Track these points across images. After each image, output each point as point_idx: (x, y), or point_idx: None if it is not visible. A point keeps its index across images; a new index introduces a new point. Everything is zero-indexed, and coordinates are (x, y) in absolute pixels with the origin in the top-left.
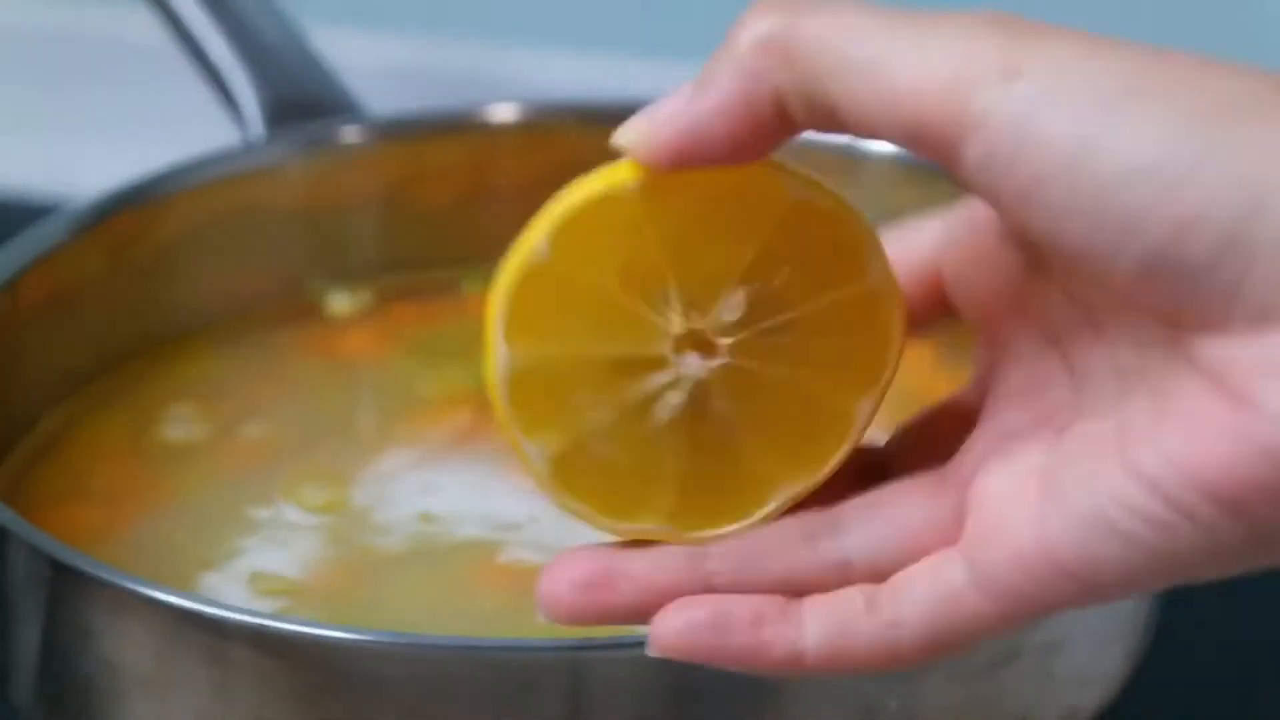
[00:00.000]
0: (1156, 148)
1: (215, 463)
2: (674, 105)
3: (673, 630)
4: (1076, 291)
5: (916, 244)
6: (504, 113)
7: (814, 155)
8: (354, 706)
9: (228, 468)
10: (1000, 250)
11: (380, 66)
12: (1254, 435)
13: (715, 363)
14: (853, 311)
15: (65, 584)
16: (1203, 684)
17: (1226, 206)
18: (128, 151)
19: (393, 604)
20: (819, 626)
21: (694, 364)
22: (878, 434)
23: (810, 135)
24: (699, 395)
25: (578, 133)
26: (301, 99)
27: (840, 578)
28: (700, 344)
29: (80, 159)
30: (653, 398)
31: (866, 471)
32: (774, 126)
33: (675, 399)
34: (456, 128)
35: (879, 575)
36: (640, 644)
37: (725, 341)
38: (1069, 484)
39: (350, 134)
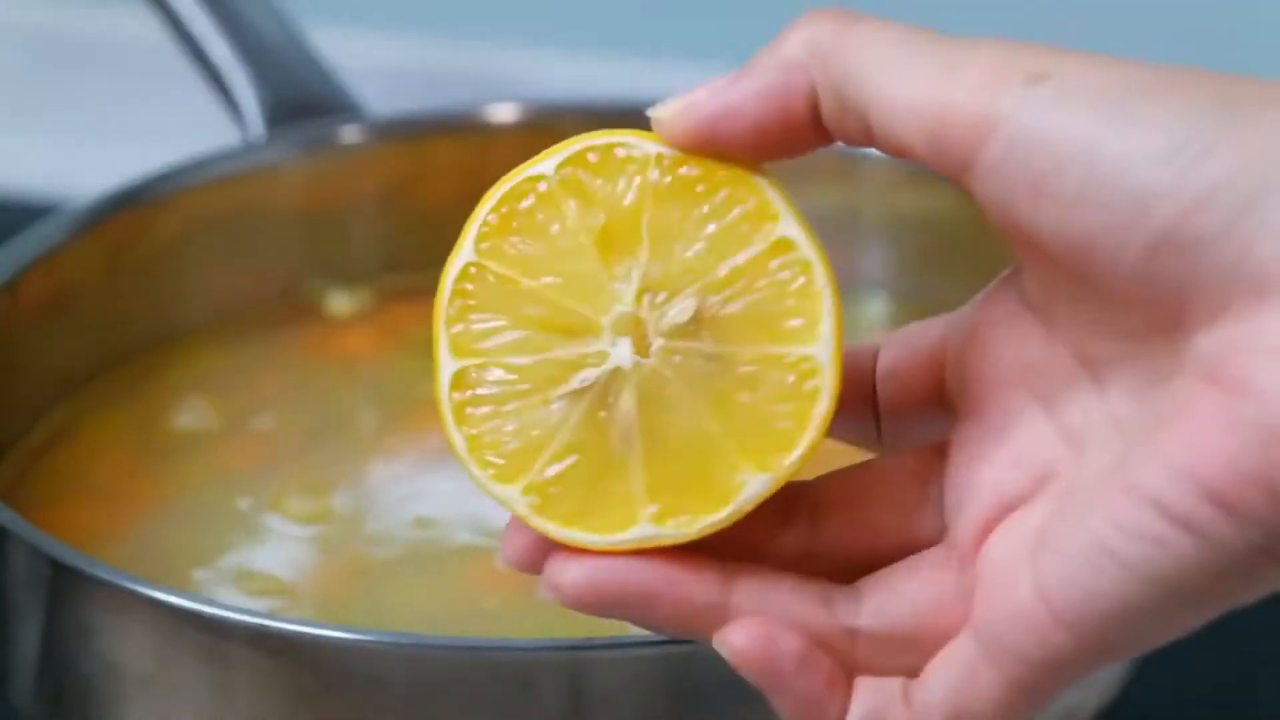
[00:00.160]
0: (1173, 132)
1: (215, 462)
2: (711, 87)
3: (759, 638)
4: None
5: (924, 339)
6: (504, 113)
7: (815, 156)
8: (354, 706)
9: (228, 467)
10: (1007, 326)
11: (380, 66)
12: (1248, 419)
13: (645, 361)
14: (782, 375)
15: (65, 584)
16: (1203, 684)
17: (1239, 185)
18: (128, 151)
19: (391, 604)
20: (862, 706)
21: (624, 353)
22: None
23: None
24: (650, 385)
25: (577, 133)
26: (301, 99)
27: (850, 645)
28: (638, 337)
29: (80, 159)
30: (599, 398)
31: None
32: (802, 125)
33: (625, 396)
34: (456, 128)
35: (891, 648)
36: (640, 644)
37: (659, 342)
38: (1064, 525)
39: (350, 134)
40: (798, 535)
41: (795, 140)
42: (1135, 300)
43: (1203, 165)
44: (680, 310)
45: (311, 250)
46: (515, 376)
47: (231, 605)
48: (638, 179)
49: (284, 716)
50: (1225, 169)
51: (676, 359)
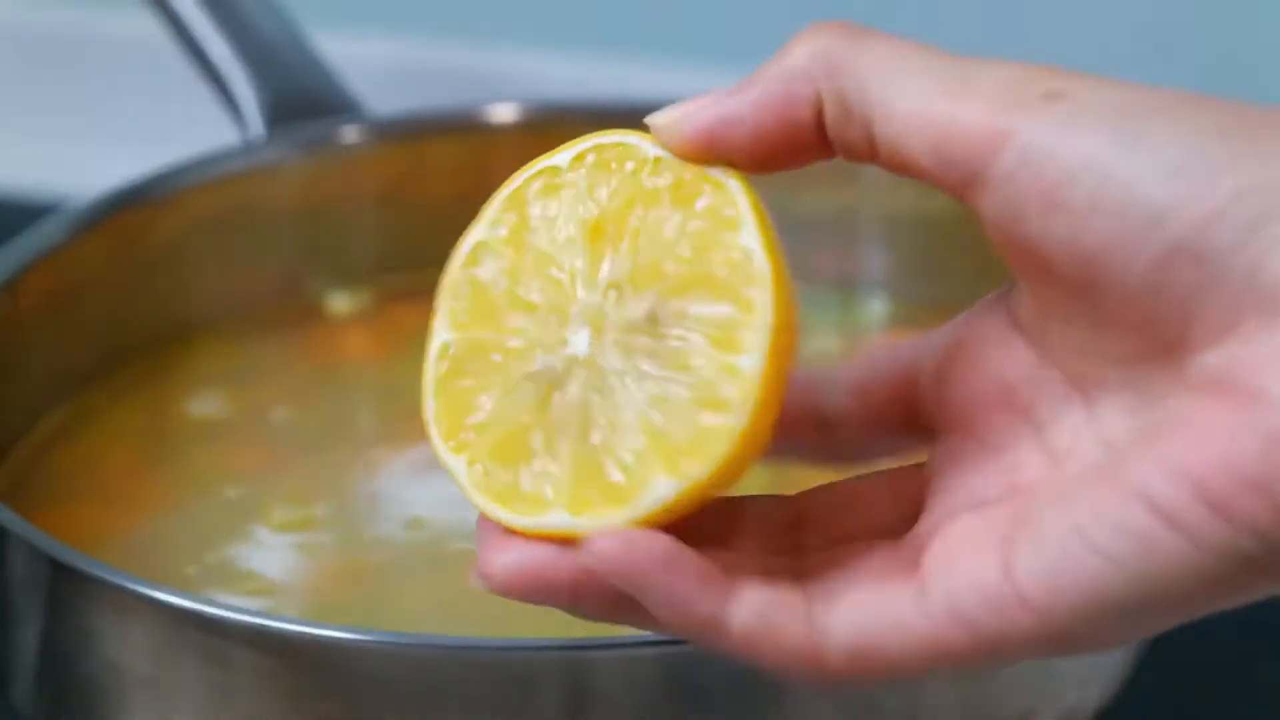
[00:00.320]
0: (1188, 148)
1: (216, 462)
2: (712, 95)
3: (614, 545)
4: (1074, 359)
5: (892, 360)
6: (504, 113)
7: None
8: (354, 706)
9: (228, 467)
10: (996, 346)
11: (380, 66)
12: (1256, 427)
13: (597, 354)
14: (716, 384)
15: (65, 584)
16: (1203, 684)
17: (1251, 201)
18: (128, 151)
19: (389, 605)
20: (751, 608)
21: (581, 342)
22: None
23: None
24: (596, 378)
25: (578, 133)
26: (301, 99)
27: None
28: (599, 330)
29: (80, 159)
30: (555, 384)
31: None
32: (804, 136)
33: (574, 385)
34: (456, 128)
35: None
36: (640, 644)
37: (612, 336)
38: (1044, 512)
39: (350, 134)
40: (775, 552)
41: (796, 151)
42: (1138, 317)
43: (1217, 181)
44: (634, 307)
45: (311, 250)
46: (492, 352)
47: (231, 605)
48: (632, 179)
49: (284, 716)
50: (1238, 185)
51: (625, 355)
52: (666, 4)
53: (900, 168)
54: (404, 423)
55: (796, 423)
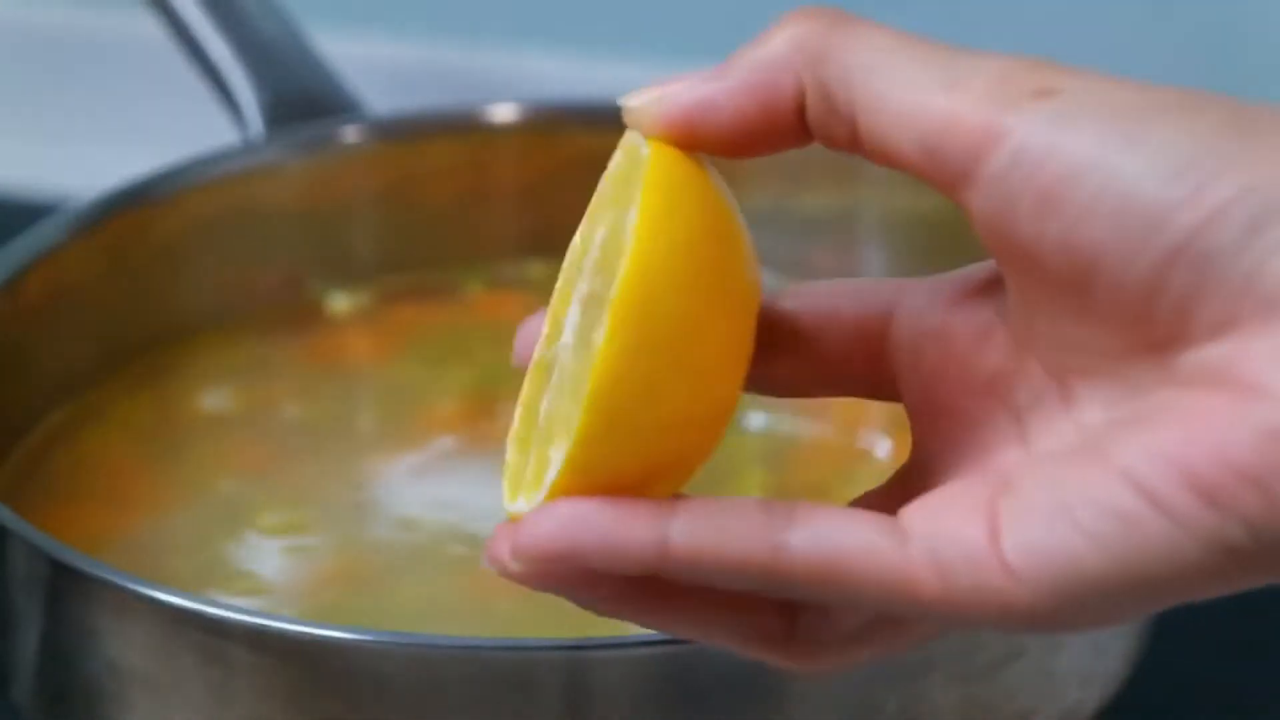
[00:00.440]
0: (1188, 148)
1: (216, 462)
2: (691, 79)
3: (531, 526)
4: (1055, 348)
5: (874, 299)
6: (504, 113)
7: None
8: (354, 706)
9: (229, 467)
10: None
11: (380, 66)
12: (1255, 419)
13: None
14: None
15: (65, 584)
16: (1203, 684)
17: (1252, 203)
18: (128, 151)
19: (389, 605)
20: (694, 515)
21: (569, 328)
22: None
23: None
24: (562, 367)
25: (578, 133)
26: (301, 99)
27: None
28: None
29: (80, 159)
30: (548, 376)
31: None
32: (784, 124)
33: (553, 375)
34: (456, 128)
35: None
36: (640, 644)
37: (572, 323)
38: (1031, 483)
39: (350, 134)
40: (761, 357)
41: (775, 139)
42: (1131, 315)
43: (1217, 182)
44: (579, 295)
45: (311, 250)
46: (548, 343)
47: (231, 605)
48: (633, 171)
49: (284, 716)
50: (1239, 186)
51: (577, 345)
52: (667, 4)
53: (884, 160)
54: (404, 423)
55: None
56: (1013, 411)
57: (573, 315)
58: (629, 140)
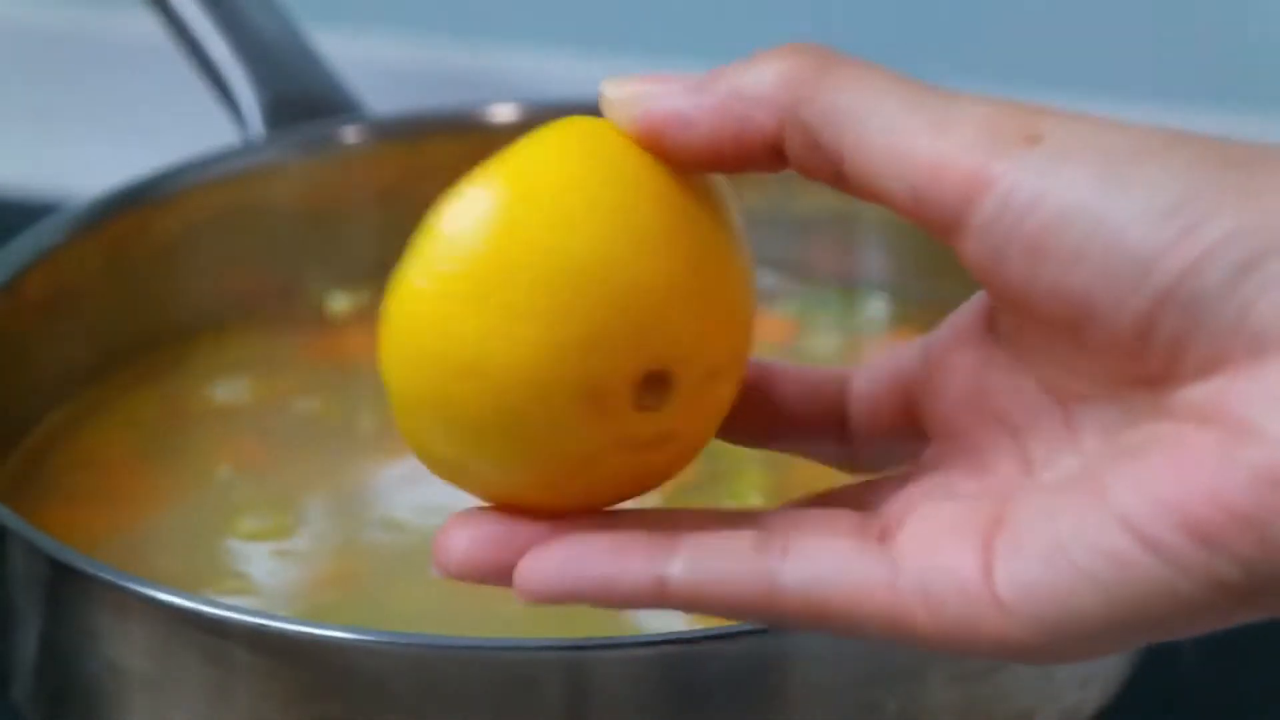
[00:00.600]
0: (1175, 191)
1: (216, 462)
2: (671, 86)
3: (530, 570)
4: (1053, 373)
5: (897, 363)
6: (504, 113)
7: None
8: (354, 706)
9: (228, 467)
10: (975, 353)
11: (380, 66)
12: (1249, 461)
13: None
14: None
15: (65, 584)
16: (1202, 684)
17: (1240, 245)
18: (128, 151)
19: (388, 604)
20: (692, 555)
21: None
22: None
23: None
24: None
25: None
26: (301, 99)
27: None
28: None
29: (80, 159)
30: None
31: None
32: (756, 155)
33: None
34: (456, 128)
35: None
36: (640, 644)
37: None
38: (1027, 518)
39: (350, 134)
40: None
41: (743, 165)
42: (1123, 353)
43: (1205, 224)
44: None
45: (311, 250)
46: None
47: (231, 605)
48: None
49: (284, 716)
50: (1227, 229)
51: None
52: (667, 4)
53: (871, 199)
54: None
55: (820, 425)
56: (1010, 430)
57: None
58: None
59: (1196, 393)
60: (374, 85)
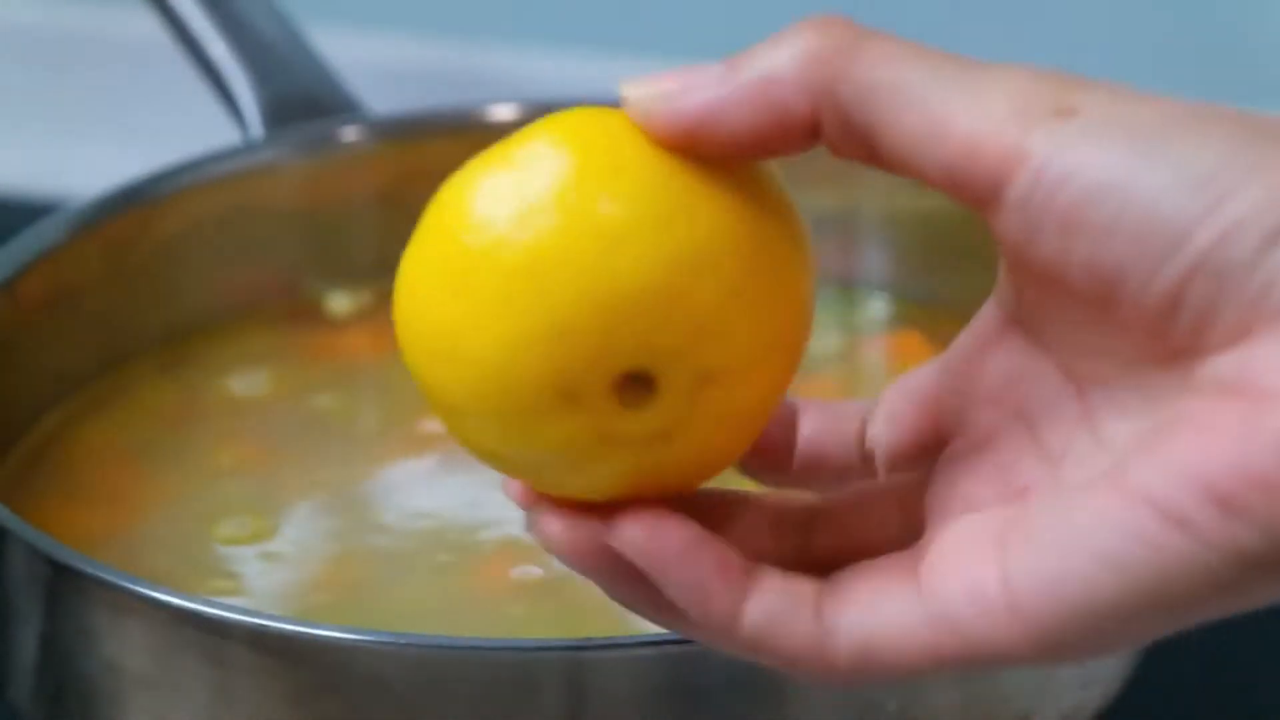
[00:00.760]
0: (1206, 163)
1: (216, 462)
2: (699, 79)
3: (640, 530)
4: (1074, 358)
5: (920, 381)
6: (504, 113)
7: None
8: (354, 706)
9: (228, 467)
10: (993, 344)
11: (380, 66)
12: (1270, 427)
13: None
14: None
15: (65, 584)
16: (1203, 684)
17: (1271, 213)
18: (128, 151)
19: (388, 604)
20: (765, 607)
21: None
22: None
23: None
24: None
25: None
26: (301, 99)
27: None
28: None
29: (80, 159)
30: None
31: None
32: (795, 138)
33: None
34: (456, 128)
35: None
36: (640, 644)
37: None
38: (1043, 515)
39: (350, 134)
40: (786, 549)
41: (778, 149)
42: (1149, 326)
43: (1235, 195)
44: None
45: (311, 250)
46: None
47: (231, 605)
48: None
49: (284, 717)
50: (1256, 199)
51: None
52: (667, 4)
53: (902, 174)
54: (404, 423)
55: (844, 454)
56: (1027, 423)
57: None
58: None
59: (1220, 364)
60: (374, 85)
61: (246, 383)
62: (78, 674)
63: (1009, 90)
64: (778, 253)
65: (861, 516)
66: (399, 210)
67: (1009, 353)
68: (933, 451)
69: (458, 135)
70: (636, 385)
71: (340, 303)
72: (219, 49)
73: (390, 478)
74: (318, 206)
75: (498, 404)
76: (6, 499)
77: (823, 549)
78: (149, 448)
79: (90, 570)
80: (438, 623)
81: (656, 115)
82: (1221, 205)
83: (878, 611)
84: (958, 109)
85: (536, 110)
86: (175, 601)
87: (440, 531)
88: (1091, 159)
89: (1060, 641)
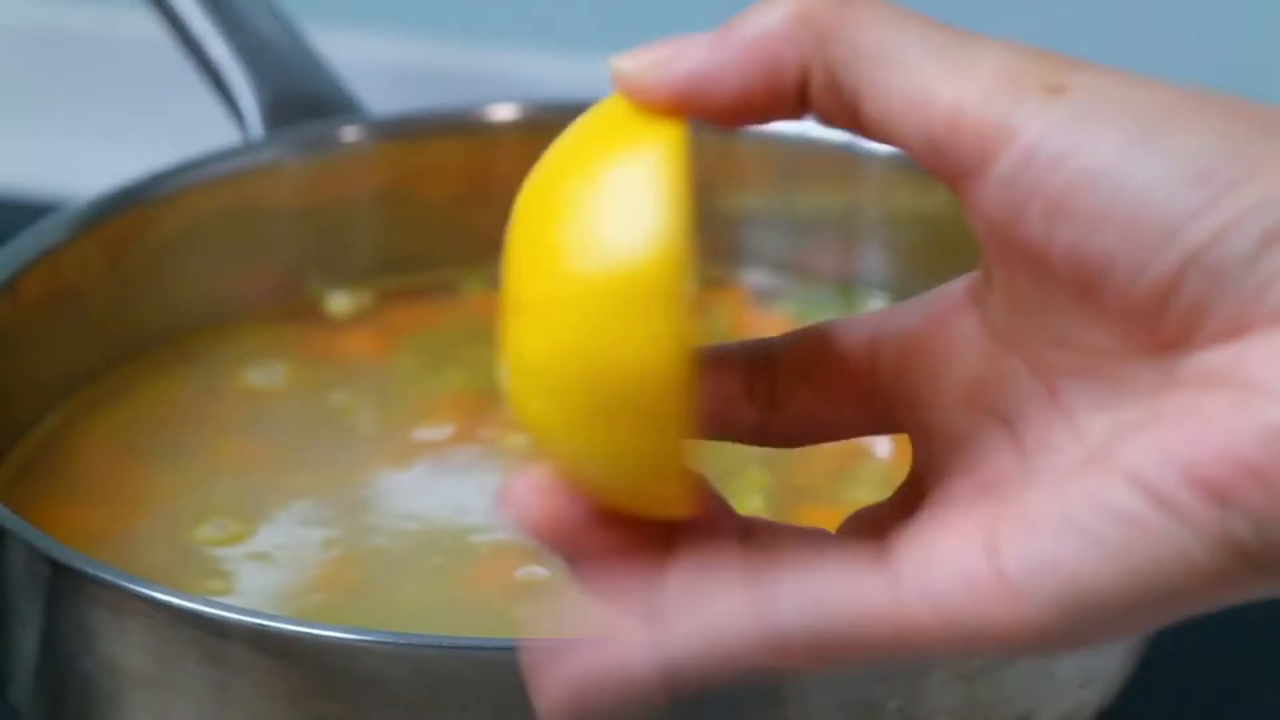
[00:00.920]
0: (1206, 154)
1: (214, 462)
2: (689, 46)
3: (548, 695)
4: (1044, 348)
5: (844, 336)
6: (504, 113)
7: (815, 156)
8: (354, 706)
9: (228, 467)
10: (960, 339)
11: (380, 66)
12: (1257, 414)
13: None
14: None
15: (65, 584)
16: (1203, 684)
17: (1270, 211)
18: (128, 151)
19: (387, 605)
20: (682, 622)
21: None
22: None
23: (812, 134)
24: None
25: None
26: (301, 99)
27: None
28: None
29: (80, 159)
30: None
31: None
32: (785, 100)
33: None
34: (456, 128)
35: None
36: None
37: None
38: (1032, 496)
39: (350, 134)
40: (757, 408)
41: (770, 113)
42: (1136, 320)
43: (1234, 191)
44: None
45: (311, 250)
46: None
47: (231, 605)
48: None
49: (284, 717)
50: (1256, 196)
51: None
52: (667, 4)
53: (883, 142)
54: (403, 423)
55: (734, 399)
56: (1001, 419)
57: None
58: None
59: (1210, 358)
60: (374, 85)
61: (247, 383)
62: (78, 674)
63: (997, 61)
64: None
65: (833, 380)
66: (399, 210)
67: (977, 351)
68: (856, 415)
69: (458, 135)
70: None
71: (340, 303)
72: (219, 49)
73: (391, 478)
74: (318, 206)
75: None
76: (7, 498)
77: (792, 406)
78: (149, 447)
79: (90, 570)
80: (441, 622)
81: (648, 83)
82: (1218, 201)
83: (829, 587)
84: (943, 78)
85: (536, 110)
86: (175, 601)
87: (440, 532)
88: (1085, 144)
89: (1055, 626)
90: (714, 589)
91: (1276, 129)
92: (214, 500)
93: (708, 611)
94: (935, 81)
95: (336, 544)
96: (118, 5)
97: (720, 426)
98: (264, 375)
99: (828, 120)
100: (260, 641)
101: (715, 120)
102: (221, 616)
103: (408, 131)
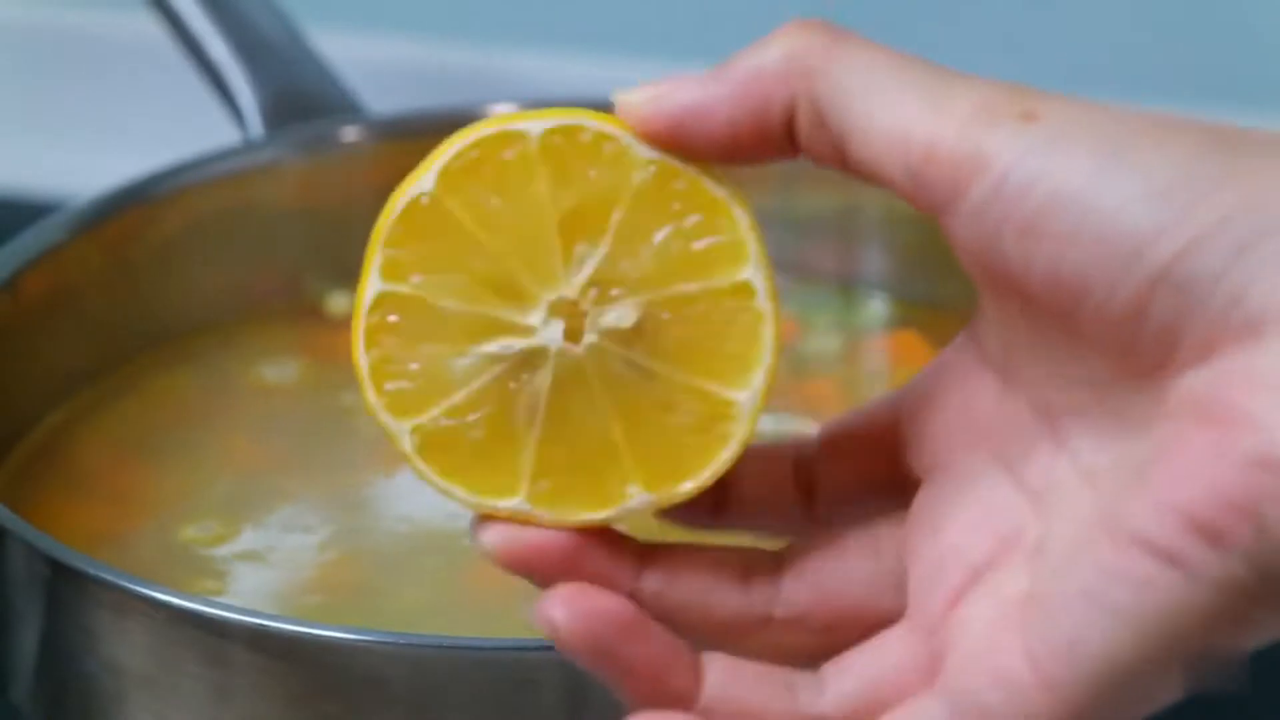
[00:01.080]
0: (1172, 172)
1: (214, 462)
2: (686, 81)
3: (579, 609)
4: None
5: (871, 416)
6: (504, 113)
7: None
8: (354, 706)
9: (228, 467)
10: (961, 386)
11: (380, 66)
12: (1237, 449)
13: (572, 350)
14: (701, 409)
15: (65, 584)
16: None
17: (1236, 226)
18: (128, 151)
19: (387, 605)
20: (723, 672)
21: (555, 335)
22: None
23: None
24: (568, 373)
25: None
26: (301, 99)
27: None
28: (572, 325)
29: (80, 159)
30: (515, 369)
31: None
32: (774, 136)
33: (541, 375)
34: (456, 128)
35: None
36: None
37: (592, 337)
38: (1050, 579)
39: (350, 134)
40: (756, 596)
41: (761, 150)
42: (1117, 342)
43: (1201, 205)
44: (623, 314)
45: (311, 249)
46: (438, 318)
47: (231, 605)
48: (621, 174)
49: (284, 717)
50: (1223, 210)
51: (604, 358)
52: (667, 4)
53: (872, 181)
54: None
55: (778, 495)
56: (1005, 463)
57: (592, 326)
58: (585, 134)
59: (1192, 381)
60: (374, 85)
61: (246, 383)
62: (78, 674)
63: (972, 96)
64: None
65: (834, 568)
66: None
67: (979, 396)
68: (890, 488)
69: None
70: None
71: (340, 302)
72: (219, 49)
73: (392, 479)
74: (318, 206)
75: None
76: (7, 498)
77: (793, 600)
78: (150, 447)
79: (90, 570)
80: (441, 622)
81: (646, 113)
82: (1184, 218)
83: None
84: (922, 112)
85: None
86: (175, 601)
87: (438, 533)
88: (1054, 167)
89: (1090, 709)
90: (755, 684)
91: (1238, 146)
92: (214, 500)
93: (746, 698)
94: (913, 117)
95: (333, 545)
96: (118, 5)
97: (770, 516)
98: (265, 375)
99: (818, 160)
100: (260, 641)
101: (709, 155)
102: (222, 617)
103: (408, 131)
